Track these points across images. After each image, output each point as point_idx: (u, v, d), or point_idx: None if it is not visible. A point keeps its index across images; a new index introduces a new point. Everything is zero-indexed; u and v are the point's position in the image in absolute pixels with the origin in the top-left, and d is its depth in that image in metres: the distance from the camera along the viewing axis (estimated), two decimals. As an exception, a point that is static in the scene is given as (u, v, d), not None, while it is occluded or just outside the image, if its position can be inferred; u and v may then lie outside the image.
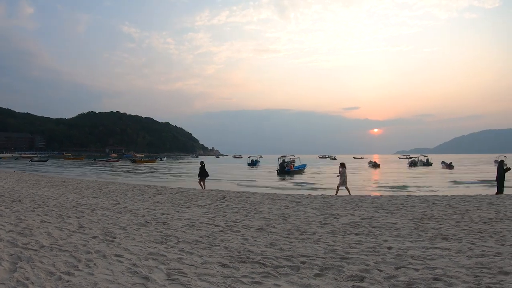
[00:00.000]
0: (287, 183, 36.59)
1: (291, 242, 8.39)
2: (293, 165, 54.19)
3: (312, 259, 6.84)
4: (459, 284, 5.48)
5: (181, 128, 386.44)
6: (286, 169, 49.67)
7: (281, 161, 53.08)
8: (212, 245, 7.85)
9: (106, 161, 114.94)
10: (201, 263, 6.46)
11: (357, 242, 8.44)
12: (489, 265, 6.46)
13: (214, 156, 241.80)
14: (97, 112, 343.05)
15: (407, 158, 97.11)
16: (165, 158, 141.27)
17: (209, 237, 8.72)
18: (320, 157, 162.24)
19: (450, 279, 5.69)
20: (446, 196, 19.68)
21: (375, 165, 72.46)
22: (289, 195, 20.43)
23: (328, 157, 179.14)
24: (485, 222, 11.11)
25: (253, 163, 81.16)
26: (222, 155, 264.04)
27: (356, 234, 9.45)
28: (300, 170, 54.64)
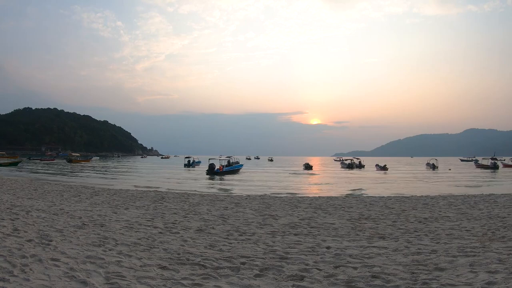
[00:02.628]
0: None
1: (231, 243, 8.40)
2: (224, 166, 54.23)
3: (252, 260, 6.87)
4: (397, 281, 5.69)
5: (120, 127, 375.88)
6: (215, 170, 49.92)
7: (211, 162, 53.28)
8: (151, 247, 7.70)
9: (41, 160, 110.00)
10: (140, 266, 6.30)
11: (296, 242, 8.58)
12: (425, 262, 6.79)
13: (140, 157, 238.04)
14: (33, 108, 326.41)
15: (340, 160, 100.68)
16: (98, 158, 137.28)
17: (148, 239, 8.55)
18: (247, 158, 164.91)
19: (388, 276, 5.90)
20: (383, 197, 20.49)
21: (308, 167, 74.20)
22: (228, 196, 20.48)
23: (255, 158, 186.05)
24: (420, 222, 11.67)
25: (190, 164, 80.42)
26: (162, 155, 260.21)
27: (295, 235, 9.60)
28: (234, 170, 55.04)
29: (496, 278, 5.64)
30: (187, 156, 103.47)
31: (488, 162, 75.78)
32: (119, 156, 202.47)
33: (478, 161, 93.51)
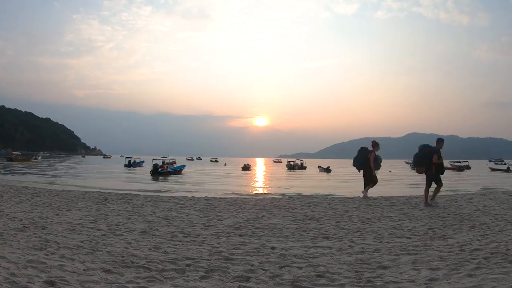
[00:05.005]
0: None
1: (176, 245, 8.29)
2: (168, 166, 53.78)
3: (197, 262, 6.82)
4: (342, 280, 5.84)
5: (63, 125, 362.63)
6: (159, 170, 49.57)
7: (155, 163, 52.69)
8: (94, 250, 7.43)
9: None
10: (84, 270, 6.06)
11: (241, 243, 8.60)
12: (368, 260, 7.01)
13: (81, 156, 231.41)
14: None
15: (279, 161, 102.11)
16: (40, 156, 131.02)
17: (91, 242, 8.25)
18: (188, 159, 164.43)
19: (333, 275, 6.04)
20: (327, 197, 20.95)
21: (247, 168, 74.85)
22: (173, 197, 20.23)
23: (197, 158, 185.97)
24: (363, 222, 12.02)
25: (130, 164, 78.82)
26: (105, 155, 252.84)
27: (240, 236, 9.63)
28: (177, 171, 54.76)
29: (438, 275, 5.92)
30: (128, 156, 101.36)
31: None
32: (49, 155, 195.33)
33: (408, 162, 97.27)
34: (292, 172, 67.51)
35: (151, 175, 47.55)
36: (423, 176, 16.89)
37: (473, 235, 9.65)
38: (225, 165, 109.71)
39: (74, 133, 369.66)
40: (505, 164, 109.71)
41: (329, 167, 71.37)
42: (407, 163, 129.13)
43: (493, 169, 78.96)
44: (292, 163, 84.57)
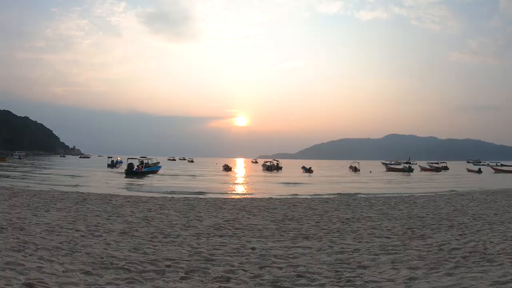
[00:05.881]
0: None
1: (155, 246, 8.27)
2: (143, 166, 53.29)
3: (177, 262, 6.82)
4: (322, 279, 5.90)
5: (41, 124, 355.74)
6: (134, 170, 49.09)
7: (130, 162, 52.10)
8: (73, 252, 7.35)
9: None
10: (63, 272, 5.99)
11: (221, 244, 8.62)
12: (348, 260, 7.11)
13: (60, 156, 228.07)
14: None
15: (255, 162, 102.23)
16: (17, 156, 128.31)
17: (69, 243, 8.15)
18: (169, 159, 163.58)
19: (313, 275, 6.09)
20: (306, 198, 21.07)
21: (228, 169, 74.74)
22: (152, 197, 20.08)
23: (183, 159, 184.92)
24: (343, 222, 12.14)
25: (113, 164, 77.90)
26: (83, 155, 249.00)
27: (220, 236, 9.64)
28: (153, 171, 54.32)
29: (417, 274, 6.03)
30: (110, 155, 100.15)
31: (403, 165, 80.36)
32: (26, 155, 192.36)
33: (388, 164, 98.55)
34: (268, 173, 67.34)
35: (125, 175, 47.00)
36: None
37: (451, 235, 9.87)
38: (215, 165, 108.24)
39: (53, 132, 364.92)
40: (482, 165, 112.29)
41: (310, 167, 71.66)
42: (383, 164, 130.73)
43: (469, 170, 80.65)
44: (268, 163, 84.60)
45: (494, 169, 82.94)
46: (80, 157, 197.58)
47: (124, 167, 59.80)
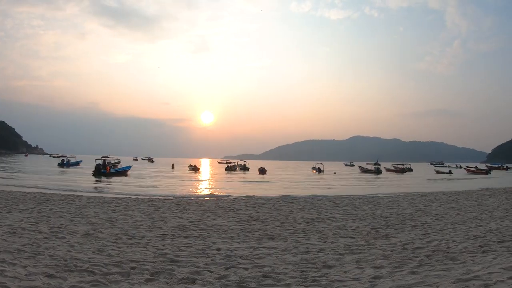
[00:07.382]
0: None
1: (120, 247, 8.15)
2: (111, 167, 52.43)
3: (142, 264, 6.74)
4: (287, 280, 5.95)
5: (3, 121, 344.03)
6: (102, 171, 48.27)
7: (98, 163, 51.17)
8: (36, 254, 7.15)
9: None
10: (25, 275, 5.82)
11: (186, 245, 8.58)
12: (313, 260, 7.21)
13: (24, 155, 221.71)
14: None
15: (226, 162, 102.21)
16: None
17: (32, 245, 7.93)
18: (134, 159, 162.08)
19: (279, 276, 6.15)
20: (272, 198, 21.18)
21: (194, 169, 74.45)
22: (116, 198, 19.78)
23: (142, 159, 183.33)
24: (308, 223, 12.29)
25: (65, 164, 76.03)
26: (45, 153, 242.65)
27: (185, 237, 9.60)
28: (122, 172, 53.47)
29: (382, 273, 6.17)
30: (62, 154, 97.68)
31: (372, 167, 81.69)
32: (26, 155, 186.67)
33: (354, 165, 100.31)
34: (233, 173, 67.28)
35: (93, 176, 46.17)
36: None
37: (415, 234, 10.16)
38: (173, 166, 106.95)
39: (15, 130, 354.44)
40: (447, 167, 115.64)
41: (263, 167, 71.53)
42: (346, 165, 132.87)
43: (438, 172, 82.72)
44: (233, 164, 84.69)
45: (467, 170, 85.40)
46: (25, 155, 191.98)
47: (84, 167, 58.74)
